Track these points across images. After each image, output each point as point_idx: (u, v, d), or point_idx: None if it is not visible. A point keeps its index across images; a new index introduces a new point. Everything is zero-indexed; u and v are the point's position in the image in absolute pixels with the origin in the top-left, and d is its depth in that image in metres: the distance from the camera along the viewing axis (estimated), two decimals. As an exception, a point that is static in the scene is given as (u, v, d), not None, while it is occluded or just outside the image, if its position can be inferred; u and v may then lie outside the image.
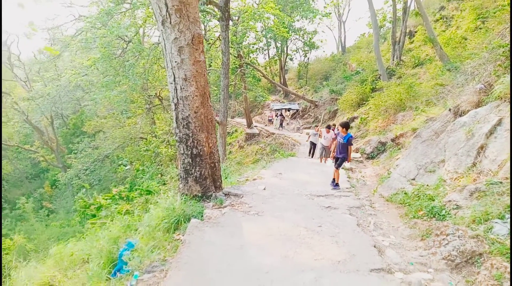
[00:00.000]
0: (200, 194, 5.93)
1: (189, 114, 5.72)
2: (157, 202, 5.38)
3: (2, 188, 31.86)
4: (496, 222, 4.22)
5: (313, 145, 15.39)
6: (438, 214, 5.16)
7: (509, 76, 6.25)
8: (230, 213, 5.30)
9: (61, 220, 28.40)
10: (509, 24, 8.45)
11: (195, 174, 5.88)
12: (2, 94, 33.20)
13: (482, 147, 5.86)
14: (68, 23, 21.09)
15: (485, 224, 4.29)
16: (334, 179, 7.99)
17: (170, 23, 5.38)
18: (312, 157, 15.32)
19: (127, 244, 4.56)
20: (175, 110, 5.79)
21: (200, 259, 3.82)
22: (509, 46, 6.98)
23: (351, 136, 7.73)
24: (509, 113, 5.75)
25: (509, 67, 6.22)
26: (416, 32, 27.31)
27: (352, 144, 7.80)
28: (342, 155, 7.72)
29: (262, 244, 4.28)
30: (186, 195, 5.86)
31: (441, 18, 26.14)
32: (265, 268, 3.66)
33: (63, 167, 32.62)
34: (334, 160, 8.07)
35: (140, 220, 5.31)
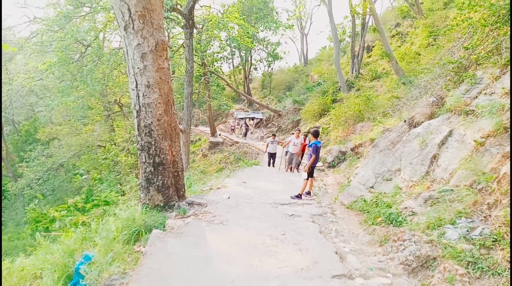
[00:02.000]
0: (162, 204, 5.79)
1: (151, 122, 5.59)
2: (115, 213, 5.16)
3: None
4: (448, 228, 4.46)
5: (272, 155, 13.93)
6: (395, 220, 5.37)
7: (458, 90, 6.72)
8: (193, 223, 5.21)
9: (9, 233, 26.50)
10: (457, 42, 9.11)
11: (157, 183, 5.73)
12: None
13: (435, 156, 6.21)
14: (22, 25, 19.90)
15: (438, 229, 4.53)
16: (308, 192, 7.96)
17: (133, 28, 5.27)
18: (273, 166, 13.99)
19: (84, 257, 4.34)
20: (137, 117, 5.64)
21: (162, 270, 3.71)
22: (457, 62, 7.52)
23: (317, 144, 7.69)
24: (459, 124, 6.16)
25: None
26: (373, 47, 28.67)
27: (316, 153, 7.65)
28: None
29: (227, 253, 4.24)
30: (148, 205, 5.68)
31: (397, 34, 27.67)
32: (230, 277, 3.62)
33: (13, 177, 30.56)
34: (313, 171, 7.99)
35: (97, 232, 5.07)
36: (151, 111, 5.57)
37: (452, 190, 5.17)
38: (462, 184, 5.13)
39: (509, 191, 4.20)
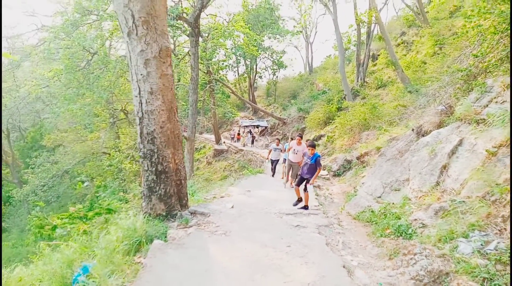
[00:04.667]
0: (164, 213, 5.65)
1: (154, 129, 5.49)
2: (116, 222, 5.03)
3: None
4: (461, 241, 4.27)
5: (275, 163, 12.85)
6: (405, 232, 5.19)
7: (467, 99, 6.56)
8: (195, 234, 5.06)
9: (14, 239, 26.47)
10: (465, 50, 8.97)
11: (160, 191, 5.60)
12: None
13: (445, 166, 6.03)
14: (30, 33, 20.08)
15: (450, 243, 4.35)
16: (299, 199, 7.61)
17: (137, 34, 5.20)
18: (273, 176, 12.98)
19: (83, 268, 4.20)
20: (139, 124, 5.54)
21: (161, 284, 3.56)
22: (467, 70, 7.37)
23: (319, 156, 7.29)
24: (469, 133, 5.99)
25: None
26: (379, 55, 28.57)
27: (321, 165, 7.30)
28: (308, 176, 7.27)
29: (228, 267, 4.07)
30: (150, 214, 5.55)
31: (402, 43, 27.56)
32: (231, 293, 3.46)
33: (18, 183, 30.63)
34: (296, 180, 7.64)
35: (101, 241, 4.94)
36: (154, 118, 5.47)
37: (464, 201, 4.99)
38: (474, 195, 4.95)
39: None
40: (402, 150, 8.37)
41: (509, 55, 6.56)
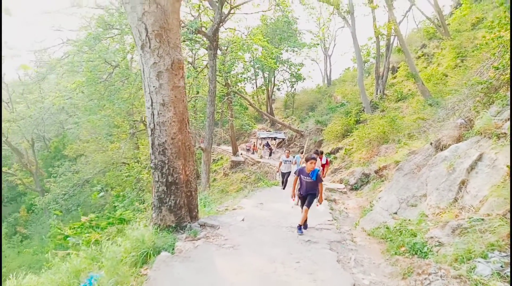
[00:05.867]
0: (174, 225, 5.64)
1: (165, 140, 5.52)
2: (125, 233, 5.04)
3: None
4: (479, 262, 4.04)
5: (286, 175, 12.30)
6: (420, 251, 4.97)
7: (487, 112, 6.32)
8: (203, 246, 5.00)
9: (34, 246, 27.09)
10: (486, 63, 8.70)
11: (170, 203, 5.61)
12: None
13: (464, 182, 5.78)
14: (56, 46, 20.88)
15: (467, 263, 4.12)
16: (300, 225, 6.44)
17: (150, 47, 5.29)
18: (283, 188, 12.34)
19: (89, 278, 4.21)
20: (151, 135, 5.60)
21: (164, 298, 3.51)
22: (487, 82, 7.13)
23: (319, 170, 6.34)
24: (489, 148, 5.74)
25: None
26: (398, 67, 28.15)
27: (322, 180, 6.45)
28: (312, 192, 6.29)
29: (235, 282, 3.98)
30: (159, 225, 5.55)
31: (422, 55, 27.10)
32: (235, 309, 3.37)
33: (41, 191, 31.50)
34: (298, 198, 6.74)
35: (107, 251, 4.96)
36: (165, 130, 5.51)
37: (483, 219, 4.74)
38: (495, 213, 4.70)
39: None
40: (420, 164, 8.11)
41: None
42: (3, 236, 27.88)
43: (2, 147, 34.17)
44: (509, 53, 7.04)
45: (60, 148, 37.78)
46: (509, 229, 4.24)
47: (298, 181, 6.47)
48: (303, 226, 6.42)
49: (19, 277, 5.08)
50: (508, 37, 7.09)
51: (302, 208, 6.38)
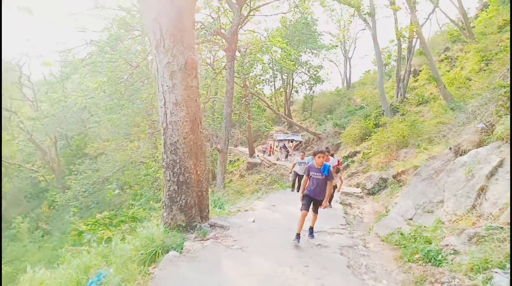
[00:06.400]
0: (184, 224, 5.65)
1: (177, 140, 5.55)
2: (135, 231, 5.09)
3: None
4: (496, 272, 3.86)
5: (298, 176, 12.11)
6: (434, 258, 4.80)
7: (509, 117, 6.07)
8: (211, 247, 4.98)
9: (55, 242, 27.81)
10: (507, 66, 8.37)
11: (181, 202, 5.62)
12: (10, 113, 33.70)
13: (483, 189, 5.56)
14: (80, 47, 21.43)
15: (484, 273, 3.94)
16: (311, 227, 6.10)
17: (164, 47, 5.34)
18: (297, 191, 11.73)
19: (98, 275, 4.26)
20: (164, 134, 5.65)
21: (169, 297, 3.51)
22: (510, 86, 6.84)
23: (330, 166, 5.75)
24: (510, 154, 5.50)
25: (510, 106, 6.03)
26: (420, 71, 27.52)
27: (334, 178, 5.98)
28: (321, 198, 5.68)
29: (240, 283, 3.94)
30: (170, 224, 5.58)
31: (445, 59, 26.38)
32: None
33: (62, 188, 32.32)
34: (305, 200, 5.84)
35: (117, 249, 5.01)
36: (178, 129, 5.54)
37: (502, 228, 4.54)
38: (515, 222, 4.49)
39: None
40: (438, 169, 7.87)
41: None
42: (25, 231, 28.73)
43: (28, 144, 35.39)
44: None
45: (81, 146, 38.70)
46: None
47: (308, 182, 5.82)
48: (310, 234, 6.03)
49: (34, 272, 5.22)
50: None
51: (303, 209, 5.68)
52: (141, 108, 19.97)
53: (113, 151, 28.96)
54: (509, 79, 7.59)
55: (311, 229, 6.08)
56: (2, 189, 32.49)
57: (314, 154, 5.74)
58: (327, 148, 8.81)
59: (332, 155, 11.69)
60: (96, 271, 4.38)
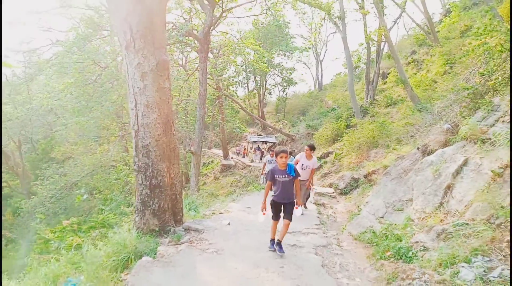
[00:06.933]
0: (157, 229, 5.52)
1: (150, 142, 5.43)
2: (106, 237, 4.93)
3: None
4: (462, 267, 4.03)
5: None
6: (405, 255, 4.94)
7: (473, 117, 6.37)
8: (186, 251, 4.90)
9: (19, 250, 26.51)
10: (472, 69, 8.80)
11: (153, 206, 5.49)
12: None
13: (449, 187, 5.80)
14: (45, 47, 20.61)
15: (451, 268, 4.10)
16: (280, 241, 5.22)
17: (134, 47, 5.21)
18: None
19: (67, 283, 4.09)
20: (135, 137, 5.50)
21: (142, 304, 3.41)
22: (473, 88, 7.19)
23: (293, 166, 5.19)
24: (474, 153, 5.77)
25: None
26: (389, 73, 28.43)
27: (299, 175, 5.33)
28: (292, 198, 5.18)
29: (215, 287, 3.90)
30: (143, 229, 5.43)
31: (412, 62, 27.40)
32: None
33: (27, 194, 30.87)
34: (273, 208, 5.27)
35: (88, 256, 4.83)
36: (150, 131, 5.42)
37: (467, 224, 4.74)
38: (479, 218, 4.70)
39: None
40: (407, 169, 8.13)
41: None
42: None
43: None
44: (493, 60, 7.12)
45: (47, 150, 37.11)
46: (492, 234, 4.24)
47: (274, 186, 5.21)
48: (279, 249, 5.14)
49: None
50: (493, 44, 7.17)
51: (274, 219, 5.28)
52: (111, 110, 19.41)
53: (81, 154, 27.96)
54: (471, 81, 7.99)
55: (279, 243, 5.19)
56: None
57: (276, 154, 5.16)
58: (310, 144, 8.05)
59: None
60: (65, 279, 4.21)
